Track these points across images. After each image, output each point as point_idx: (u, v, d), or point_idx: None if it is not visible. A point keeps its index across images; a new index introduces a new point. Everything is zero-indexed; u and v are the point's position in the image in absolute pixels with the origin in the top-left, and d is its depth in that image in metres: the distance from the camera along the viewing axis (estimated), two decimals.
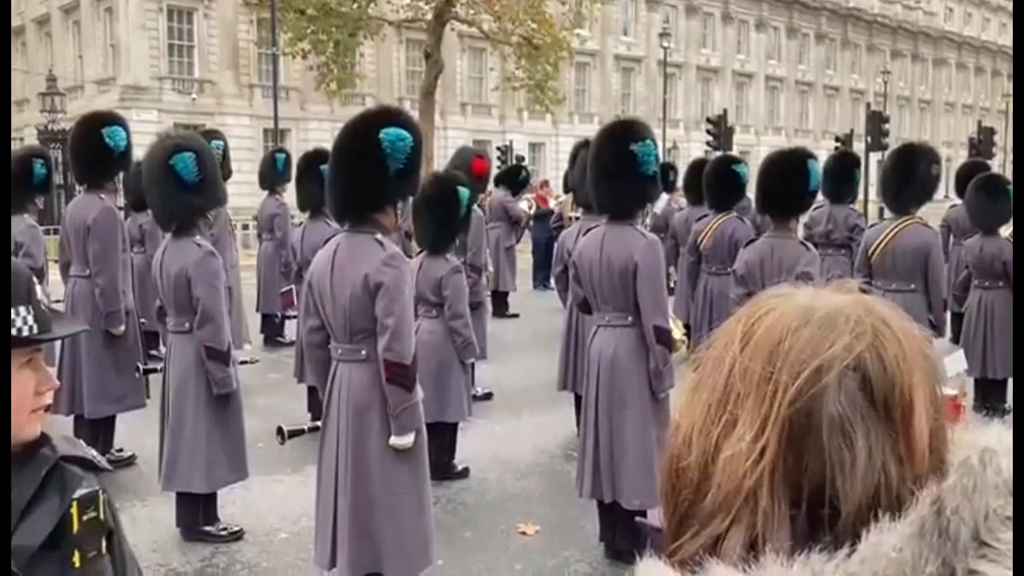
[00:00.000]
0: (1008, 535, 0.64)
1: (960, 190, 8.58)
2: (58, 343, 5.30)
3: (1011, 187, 7.16)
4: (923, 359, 0.72)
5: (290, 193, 9.02)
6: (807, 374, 0.69)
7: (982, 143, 25.85)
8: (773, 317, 0.73)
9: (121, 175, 6.16)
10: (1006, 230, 6.91)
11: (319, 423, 3.52)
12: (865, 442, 0.68)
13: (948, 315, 6.13)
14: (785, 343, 0.71)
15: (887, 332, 0.71)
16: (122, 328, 5.52)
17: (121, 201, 7.99)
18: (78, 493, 1.43)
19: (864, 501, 0.67)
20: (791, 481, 0.68)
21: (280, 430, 3.94)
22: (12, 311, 1.39)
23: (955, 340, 6.67)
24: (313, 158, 6.97)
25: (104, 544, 1.47)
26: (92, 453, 1.55)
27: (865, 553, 0.64)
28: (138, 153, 6.19)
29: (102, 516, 1.46)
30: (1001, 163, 36.81)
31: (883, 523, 0.65)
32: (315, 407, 5.99)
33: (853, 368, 0.69)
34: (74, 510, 1.41)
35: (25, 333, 1.41)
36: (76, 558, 1.41)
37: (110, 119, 5.78)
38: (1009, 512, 0.65)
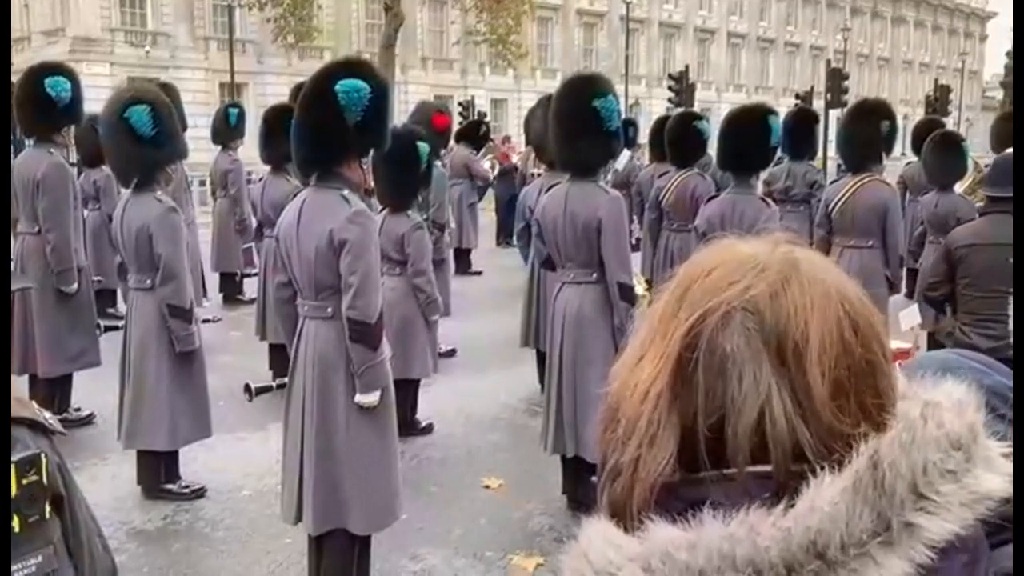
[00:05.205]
0: (948, 487, 0.65)
1: (916, 147, 8.69)
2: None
3: (965, 144, 7.27)
4: (836, 308, 0.71)
5: (245, 148, 8.86)
6: (700, 311, 0.71)
7: (938, 101, 26.19)
8: (695, 264, 0.76)
9: (72, 130, 5.99)
10: (960, 186, 7.03)
11: (287, 380, 3.50)
12: (752, 382, 0.68)
13: (904, 271, 6.25)
14: (695, 285, 0.74)
15: (794, 278, 0.71)
16: (74, 286, 5.41)
17: (74, 157, 7.78)
18: (15, 456, 1.38)
19: (755, 442, 0.67)
20: (682, 414, 0.70)
21: (248, 387, 3.92)
22: None
23: (910, 295, 6.81)
24: (281, 112, 6.81)
25: (48, 509, 1.44)
26: (44, 416, 1.50)
27: (801, 508, 0.64)
28: (91, 108, 6.01)
29: (45, 480, 1.42)
30: (956, 120, 37.31)
31: (822, 477, 0.65)
32: (277, 365, 5.96)
33: (748, 310, 0.70)
34: (12, 474, 1.37)
35: None
36: (16, 523, 1.38)
37: (53, 69, 5.58)
38: (951, 465, 0.66)
